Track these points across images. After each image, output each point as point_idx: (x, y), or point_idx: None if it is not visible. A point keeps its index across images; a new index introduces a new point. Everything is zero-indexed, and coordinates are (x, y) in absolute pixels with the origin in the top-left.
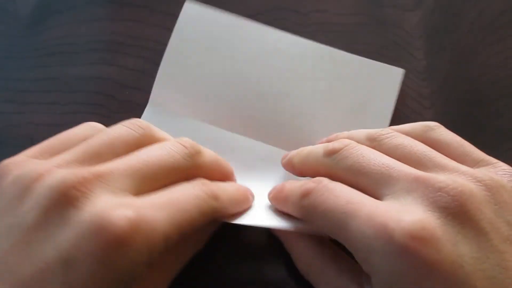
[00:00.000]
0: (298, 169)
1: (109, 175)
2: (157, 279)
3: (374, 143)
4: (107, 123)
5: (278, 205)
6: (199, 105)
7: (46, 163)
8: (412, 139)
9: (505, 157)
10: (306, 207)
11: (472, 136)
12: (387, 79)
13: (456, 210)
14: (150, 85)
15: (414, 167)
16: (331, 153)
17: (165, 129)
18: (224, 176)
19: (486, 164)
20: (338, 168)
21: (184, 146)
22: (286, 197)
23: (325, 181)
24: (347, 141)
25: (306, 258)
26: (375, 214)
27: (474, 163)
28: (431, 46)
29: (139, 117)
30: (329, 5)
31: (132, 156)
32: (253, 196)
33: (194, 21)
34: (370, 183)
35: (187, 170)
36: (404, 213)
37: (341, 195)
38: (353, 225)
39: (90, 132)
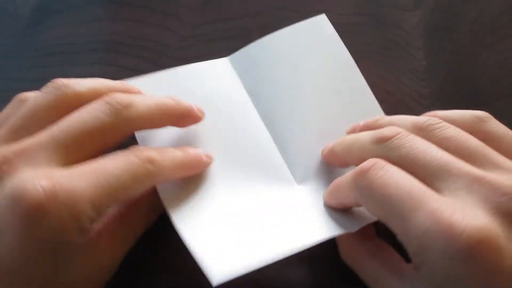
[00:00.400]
0: (342, 158)
1: (30, 151)
2: (106, 248)
3: (423, 132)
4: None
5: (331, 198)
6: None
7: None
8: (463, 132)
9: None
10: (362, 187)
11: None
12: (322, 29)
13: None
14: None
15: (468, 162)
16: (381, 141)
17: None
18: (173, 122)
19: None
20: (391, 157)
21: (108, 102)
22: (339, 185)
23: (382, 162)
24: (398, 128)
25: (349, 246)
26: (441, 211)
27: None
28: (431, 46)
29: None
30: (329, 5)
31: (54, 126)
32: (209, 158)
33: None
34: (427, 176)
35: (115, 128)
36: (469, 215)
37: (402, 182)
38: (416, 218)
39: (18, 106)
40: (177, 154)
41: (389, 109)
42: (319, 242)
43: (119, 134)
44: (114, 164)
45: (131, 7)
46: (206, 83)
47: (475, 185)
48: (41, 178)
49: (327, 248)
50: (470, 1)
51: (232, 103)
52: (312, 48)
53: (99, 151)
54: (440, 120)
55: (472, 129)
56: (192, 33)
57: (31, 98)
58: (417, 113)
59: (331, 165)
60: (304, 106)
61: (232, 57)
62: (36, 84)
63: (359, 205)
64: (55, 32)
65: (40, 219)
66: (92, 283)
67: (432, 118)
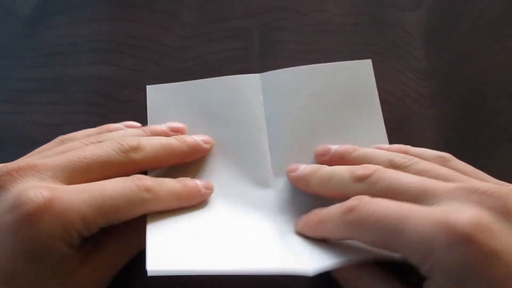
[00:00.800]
0: (316, 191)
1: (43, 166)
2: (90, 274)
3: (398, 168)
4: (107, 123)
5: (311, 231)
6: None
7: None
8: (435, 164)
9: (505, 157)
10: (351, 221)
11: (472, 136)
12: (361, 74)
13: (502, 209)
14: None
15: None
16: (362, 179)
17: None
18: (178, 160)
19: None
20: (373, 191)
21: (120, 143)
22: (323, 220)
23: (366, 197)
24: (373, 166)
25: (353, 279)
26: (431, 214)
27: None
28: (431, 46)
29: (139, 117)
30: (329, 5)
31: (70, 152)
32: (209, 189)
33: (162, 99)
34: (411, 199)
35: (122, 164)
36: (459, 211)
37: (389, 205)
38: (409, 228)
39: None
40: (175, 185)
41: (389, 109)
42: (278, 272)
43: (124, 171)
44: (112, 187)
45: (131, 7)
46: (229, 96)
47: (456, 193)
48: (44, 188)
49: None
50: (470, 1)
51: (244, 122)
52: (345, 90)
53: (103, 179)
54: (415, 157)
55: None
56: (192, 33)
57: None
58: (417, 113)
59: (294, 185)
60: (313, 140)
61: (264, 75)
62: (36, 84)
63: (347, 238)
64: (55, 32)
65: (34, 223)
66: None
67: (407, 156)
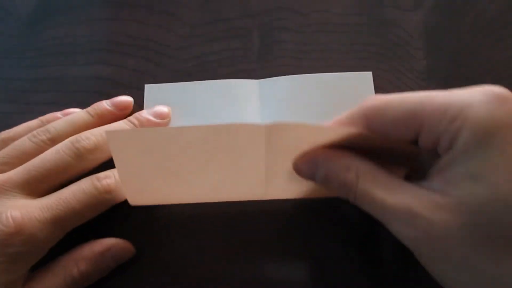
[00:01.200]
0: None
1: (8, 184)
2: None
3: None
4: None
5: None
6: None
7: None
8: None
9: None
10: (369, 114)
11: None
12: (361, 86)
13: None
14: None
15: None
16: None
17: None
18: None
19: None
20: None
21: (76, 148)
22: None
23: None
24: None
25: (351, 169)
26: (453, 93)
27: None
28: (431, 46)
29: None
30: (329, 5)
31: (30, 165)
32: None
33: (159, 98)
34: None
35: (79, 168)
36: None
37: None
38: (437, 98)
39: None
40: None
41: None
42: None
43: (82, 171)
44: (72, 197)
45: (131, 7)
46: (226, 100)
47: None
48: (14, 210)
49: (328, 249)
50: (470, 1)
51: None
52: (343, 101)
53: (65, 182)
54: None
55: None
56: (192, 33)
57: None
58: None
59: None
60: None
61: (262, 82)
62: (36, 84)
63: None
64: (55, 32)
65: (8, 242)
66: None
67: None
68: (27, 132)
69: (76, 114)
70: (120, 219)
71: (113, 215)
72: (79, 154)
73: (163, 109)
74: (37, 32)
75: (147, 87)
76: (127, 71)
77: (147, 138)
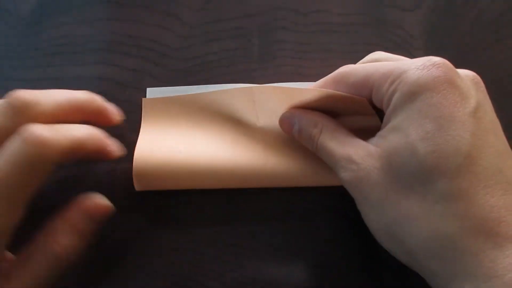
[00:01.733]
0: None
1: None
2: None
3: None
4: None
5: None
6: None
7: None
8: None
9: None
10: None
11: None
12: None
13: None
14: (150, 85)
15: None
16: None
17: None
18: (85, 117)
19: None
20: None
21: (9, 104)
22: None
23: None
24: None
25: (317, 124)
26: (400, 61)
27: None
28: (431, 46)
29: (139, 116)
30: (329, 5)
31: None
32: (116, 152)
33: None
34: None
35: (16, 126)
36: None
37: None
38: (384, 67)
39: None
40: (73, 128)
41: None
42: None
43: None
44: (3, 162)
45: (131, 7)
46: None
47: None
48: None
49: (328, 249)
50: (470, 1)
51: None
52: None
53: None
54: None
55: None
56: (192, 33)
57: None
58: None
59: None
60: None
61: (259, 88)
62: (36, 84)
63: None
64: (55, 32)
65: None
66: None
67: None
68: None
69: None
70: (122, 220)
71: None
72: (12, 111)
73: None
74: (37, 32)
75: (149, 90)
76: (127, 71)
77: (175, 103)
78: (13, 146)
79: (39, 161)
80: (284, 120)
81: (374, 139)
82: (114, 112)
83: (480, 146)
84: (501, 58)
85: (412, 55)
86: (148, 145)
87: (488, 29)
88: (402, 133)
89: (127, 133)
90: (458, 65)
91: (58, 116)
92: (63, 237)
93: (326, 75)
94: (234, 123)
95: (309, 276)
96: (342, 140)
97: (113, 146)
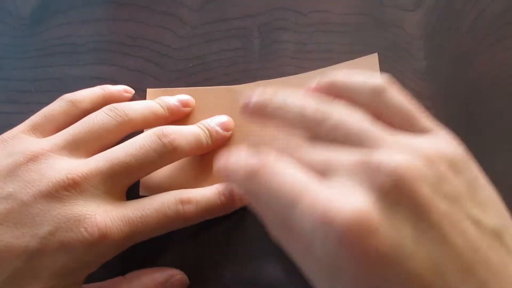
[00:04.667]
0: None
1: (93, 178)
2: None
3: (310, 127)
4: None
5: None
6: None
7: (39, 143)
8: (349, 111)
9: (505, 157)
10: (251, 192)
11: (472, 136)
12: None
13: (392, 189)
14: (150, 85)
15: (356, 146)
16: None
17: None
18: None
19: (428, 132)
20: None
21: (163, 142)
22: (230, 176)
23: (271, 160)
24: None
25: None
26: (317, 201)
27: (419, 131)
28: (431, 46)
29: None
30: (329, 5)
31: (113, 156)
32: (229, 129)
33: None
34: (317, 171)
35: (159, 165)
36: (345, 199)
37: (286, 179)
38: (296, 213)
39: (68, 107)
40: (198, 132)
41: None
42: None
43: (160, 167)
44: (156, 218)
45: (131, 7)
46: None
47: (355, 169)
48: (100, 220)
49: None
50: (470, 1)
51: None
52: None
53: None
54: (326, 113)
55: (368, 103)
56: (192, 33)
57: (94, 116)
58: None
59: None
60: None
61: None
62: (36, 84)
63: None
64: (55, 32)
65: (90, 248)
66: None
67: (320, 109)
68: (93, 99)
69: (152, 102)
70: None
71: None
72: (165, 151)
73: (226, 121)
74: (37, 32)
75: (149, 91)
76: (127, 71)
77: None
78: (166, 198)
79: (177, 215)
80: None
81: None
82: (182, 106)
83: None
84: (501, 58)
85: (412, 55)
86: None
87: (488, 29)
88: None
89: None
90: (458, 65)
91: (144, 122)
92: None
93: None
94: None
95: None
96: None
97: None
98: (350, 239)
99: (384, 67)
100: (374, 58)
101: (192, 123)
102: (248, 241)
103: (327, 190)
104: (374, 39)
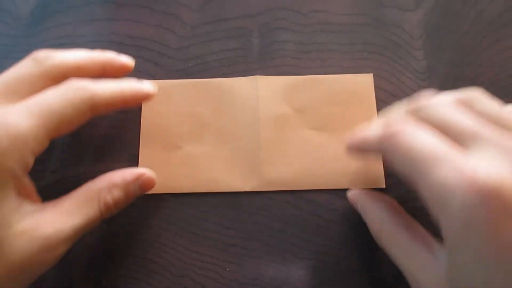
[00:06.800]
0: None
1: None
2: (51, 220)
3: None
4: (107, 123)
5: (355, 148)
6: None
7: None
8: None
9: None
10: (388, 147)
11: None
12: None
13: None
14: None
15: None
16: (416, 107)
17: None
18: (101, 71)
19: None
20: (423, 118)
21: (32, 57)
22: (365, 139)
23: (410, 126)
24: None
25: (379, 221)
26: (464, 164)
27: None
28: (431, 46)
29: (140, 116)
30: (329, 5)
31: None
32: (150, 90)
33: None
34: (458, 140)
35: (41, 74)
36: (493, 167)
37: (428, 142)
38: (437, 172)
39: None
40: (113, 83)
41: None
42: None
43: (49, 81)
44: (52, 95)
45: (131, 7)
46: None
47: (503, 150)
48: None
49: (328, 249)
50: (470, 1)
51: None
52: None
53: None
54: (473, 96)
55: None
56: (192, 33)
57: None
58: None
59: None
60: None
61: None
62: None
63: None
64: (55, 32)
65: None
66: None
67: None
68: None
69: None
70: (121, 220)
71: (114, 216)
72: (36, 60)
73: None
74: (37, 32)
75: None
76: None
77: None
78: (61, 89)
79: (83, 103)
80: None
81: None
82: (128, 62)
83: None
84: (501, 58)
85: (412, 55)
86: (150, 151)
87: (488, 29)
88: (466, 277)
89: (128, 133)
90: (458, 65)
91: (82, 68)
92: (117, 192)
93: (326, 74)
94: (234, 112)
95: (309, 276)
96: (404, 248)
97: (147, 86)
98: (494, 200)
99: (384, 67)
100: (369, 77)
101: (179, 114)
102: (248, 241)
103: (474, 159)
104: (374, 39)
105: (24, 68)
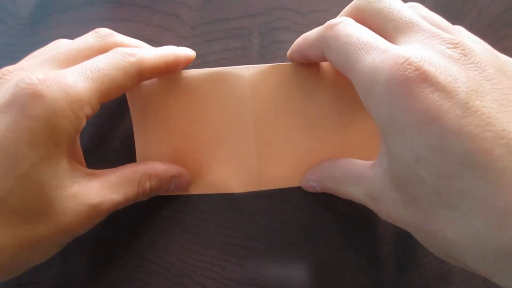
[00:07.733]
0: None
1: (32, 64)
2: (95, 191)
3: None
4: (107, 123)
5: (294, 47)
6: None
7: None
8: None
9: None
10: (327, 37)
11: None
12: None
13: (460, 57)
14: None
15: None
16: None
17: None
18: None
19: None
20: (365, 11)
21: (95, 31)
22: (306, 36)
23: (350, 20)
24: None
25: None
26: (392, 48)
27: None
28: None
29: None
30: (329, 5)
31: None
32: (190, 56)
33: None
34: (392, 31)
35: (101, 47)
36: (417, 51)
37: (364, 33)
38: (368, 58)
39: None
40: (156, 49)
41: None
42: None
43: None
44: (103, 61)
45: (131, 7)
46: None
47: (431, 39)
48: (40, 72)
49: (328, 249)
50: (470, 1)
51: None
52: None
53: None
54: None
55: None
56: (192, 33)
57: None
58: None
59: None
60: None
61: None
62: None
63: (320, 60)
64: (55, 32)
65: (36, 99)
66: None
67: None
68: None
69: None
70: (121, 221)
71: (114, 215)
72: (99, 34)
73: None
74: (37, 32)
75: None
76: None
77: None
78: (108, 55)
79: (131, 67)
80: (307, 186)
81: (378, 166)
82: (190, 54)
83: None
84: None
85: None
86: (147, 149)
87: (488, 29)
88: (398, 159)
89: (127, 132)
90: None
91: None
92: (155, 181)
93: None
94: (225, 107)
95: (309, 276)
96: (357, 179)
97: (187, 50)
98: (413, 70)
99: None
100: None
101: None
102: (248, 241)
103: (401, 47)
104: None
105: (86, 40)
